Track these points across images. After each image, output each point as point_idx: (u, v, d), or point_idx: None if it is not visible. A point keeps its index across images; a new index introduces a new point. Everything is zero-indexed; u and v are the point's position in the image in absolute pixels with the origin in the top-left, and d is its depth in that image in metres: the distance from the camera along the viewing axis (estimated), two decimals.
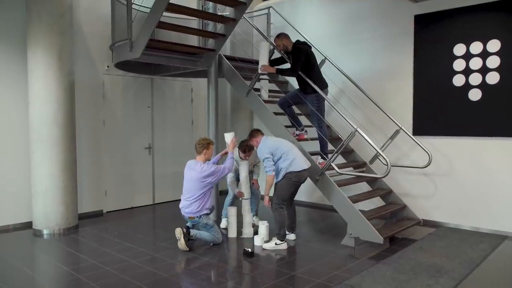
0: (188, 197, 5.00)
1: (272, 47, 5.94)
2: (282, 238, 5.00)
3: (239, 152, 5.57)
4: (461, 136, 5.79)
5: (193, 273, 4.29)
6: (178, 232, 4.89)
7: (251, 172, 5.87)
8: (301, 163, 4.94)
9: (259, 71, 5.74)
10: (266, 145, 5.00)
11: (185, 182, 5.10)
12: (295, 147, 5.09)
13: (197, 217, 4.99)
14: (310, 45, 5.83)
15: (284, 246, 5.00)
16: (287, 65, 5.70)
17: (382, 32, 6.47)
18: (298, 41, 5.69)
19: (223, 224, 5.94)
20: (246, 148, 5.43)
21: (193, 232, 4.97)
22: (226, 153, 5.40)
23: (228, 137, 5.33)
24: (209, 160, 5.22)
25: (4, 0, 5.78)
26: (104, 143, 6.90)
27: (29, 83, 5.67)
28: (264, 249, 4.98)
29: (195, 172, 4.98)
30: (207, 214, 5.06)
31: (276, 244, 4.97)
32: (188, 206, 4.99)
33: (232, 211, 5.53)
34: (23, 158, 5.93)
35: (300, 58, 5.45)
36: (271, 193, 5.03)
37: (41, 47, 5.54)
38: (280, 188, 4.96)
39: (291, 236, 5.27)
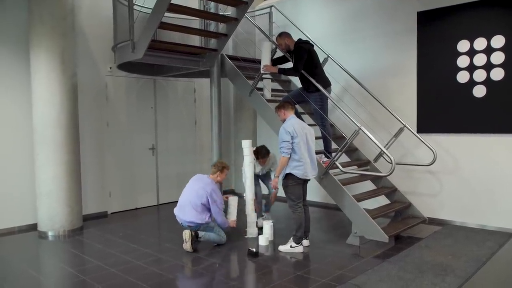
0: (186, 206, 4.96)
1: (274, 46, 5.93)
2: (299, 240, 4.85)
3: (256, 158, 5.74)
4: (466, 133, 5.75)
5: (198, 274, 4.29)
6: (187, 235, 4.86)
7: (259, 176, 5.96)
8: (307, 172, 4.78)
9: (261, 71, 5.73)
10: (291, 126, 4.74)
11: (185, 193, 5.07)
12: (312, 149, 4.89)
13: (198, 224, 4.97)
14: (313, 43, 5.81)
15: (299, 249, 4.85)
16: (290, 64, 5.68)
17: (385, 30, 6.44)
18: (300, 39, 5.67)
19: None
20: (260, 154, 5.62)
21: (201, 233, 4.96)
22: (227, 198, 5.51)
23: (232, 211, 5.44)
24: (220, 183, 5.23)
25: (6, 2, 5.80)
26: (107, 144, 6.91)
27: (32, 85, 5.68)
28: (279, 251, 4.88)
29: (202, 184, 4.98)
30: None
31: (291, 247, 4.85)
32: (185, 214, 4.96)
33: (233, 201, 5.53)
34: (27, 160, 5.94)
35: (302, 57, 5.43)
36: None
37: (44, 49, 5.56)
38: (290, 190, 4.82)
39: (304, 242, 5.01)
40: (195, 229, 4.98)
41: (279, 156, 4.86)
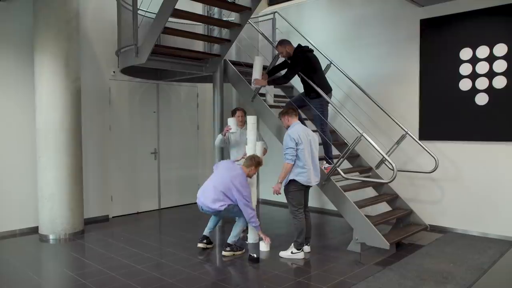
0: (209, 191, 4.89)
1: (274, 55, 5.94)
2: (300, 246, 4.84)
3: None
4: (468, 141, 5.75)
5: (198, 278, 4.28)
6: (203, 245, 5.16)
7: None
8: (311, 178, 4.78)
9: (252, 85, 5.76)
10: (296, 132, 4.73)
11: (214, 179, 4.98)
12: (315, 156, 4.89)
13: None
14: (313, 49, 5.78)
15: (300, 255, 4.83)
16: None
17: (387, 37, 6.46)
18: (299, 45, 5.64)
19: None
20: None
21: (230, 240, 5.02)
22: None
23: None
24: (250, 177, 5.13)
25: (11, 6, 5.85)
26: (110, 148, 6.93)
27: (36, 89, 5.71)
28: (280, 257, 4.85)
29: (233, 173, 4.90)
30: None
31: (292, 252, 4.83)
32: (206, 199, 4.88)
33: None
34: (30, 163, 5.96)
35: (296, 66, 5.47)
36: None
37: (48, 52, 5.59)
38: (291, 196, 4.81)
39: (305, 248, 4.99)
40: (213, 212, 4.98)
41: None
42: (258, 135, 5.72)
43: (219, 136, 5.77)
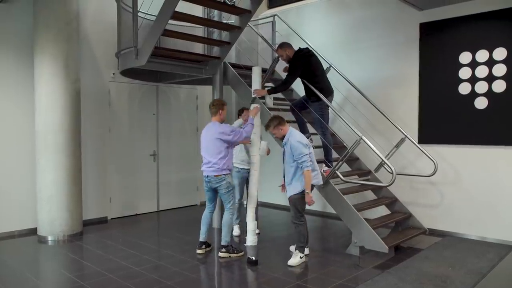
0: (209, 157, 4.94)
1: (275, 56, 5.96)
2: (303, 249, 4.83)
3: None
4: (467, 145, 5.75)
5: (196, 281, 4.27)
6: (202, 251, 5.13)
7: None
8: (319, 177, 4.82)
9: (252, 96, 5.77)
10: (303, 138, 4.73)
11: (203, 145, 5.06)
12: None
13: (223, 174, 4.93)
14: (313, 52, 5.79)
15: (304, 258, 4.86)
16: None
17: (387, 40, 6.47)
18: (300, 49, 5.65)
19: (235, 231, 5.88)
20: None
21: (223, 242, 5.01)
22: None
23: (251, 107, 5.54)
24: (224, 121, 5.17)
25: (11, 8, 5.85)
26: (109, 150, 6.93)
27: (35, 90, 5.71)
28: (292, 266, 4.69)
29: (212, 131, 4.96)
30: (227, 174, 5.00)
31: (300, 257, 4.78)
32: (210, 165, 4.92)
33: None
34: (29, 164, 5.95)
35: (294, 71, 5.49)
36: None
37: (48, 54, 5.59)
38: (299, 202, 4.73)
39: (305, 251, 4.96)
40: (219, 182, 4.93)
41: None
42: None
43: (240, 121, 5.77)
